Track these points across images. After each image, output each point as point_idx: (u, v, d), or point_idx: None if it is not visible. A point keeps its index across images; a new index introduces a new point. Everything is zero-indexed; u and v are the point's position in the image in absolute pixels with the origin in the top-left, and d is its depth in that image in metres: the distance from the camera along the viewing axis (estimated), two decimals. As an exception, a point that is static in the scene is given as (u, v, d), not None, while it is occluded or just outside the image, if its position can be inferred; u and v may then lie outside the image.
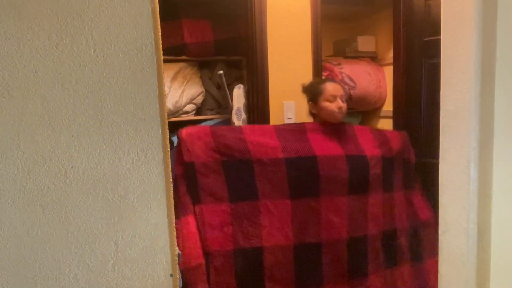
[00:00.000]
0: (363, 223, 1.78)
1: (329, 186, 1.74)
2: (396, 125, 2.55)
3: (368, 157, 1.84)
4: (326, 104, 1.86)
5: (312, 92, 1.92)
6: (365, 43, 3.09)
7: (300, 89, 2.00)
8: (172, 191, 0.99)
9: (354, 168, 1.78)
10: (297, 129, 1.84)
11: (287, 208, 1.70)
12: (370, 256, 1.79)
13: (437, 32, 1.33)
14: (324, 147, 1.80)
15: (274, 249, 1.67)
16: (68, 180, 0.87)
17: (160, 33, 0.95)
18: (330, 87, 1.88)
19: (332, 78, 2.10)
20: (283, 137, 1.77)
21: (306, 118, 2.06)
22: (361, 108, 3.07)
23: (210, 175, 1.65)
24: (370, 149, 1.88)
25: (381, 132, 2.05)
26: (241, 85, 2.40)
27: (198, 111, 2.73)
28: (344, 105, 1.87)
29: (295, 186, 1.71)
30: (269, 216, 1.67)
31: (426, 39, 2.29)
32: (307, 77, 2.37)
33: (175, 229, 0.99)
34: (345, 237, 1.74)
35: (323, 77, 2.45)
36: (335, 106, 1.85)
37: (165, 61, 1.37)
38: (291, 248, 1.69)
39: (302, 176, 1.73)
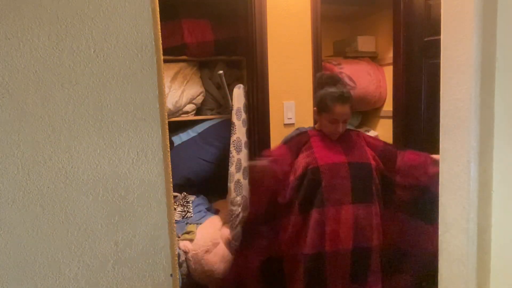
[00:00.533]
0: (368, 234, 1.78)
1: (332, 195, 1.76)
2: (396, 125, 2.55)
3: (372, 165, 1.84)
4: (327, 124, 1.85)
5: (321, 104, 1.87)
6: (365, 43, 3.09)
7: (299, 89, 1.99)
8: (172, 191, 0.99)
9: (356, 176, 1.78)
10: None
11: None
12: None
13: (437, 32, 1.33)
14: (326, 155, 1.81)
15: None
16: (68, 180, 0.87)
17: (160, 33, 0.95)
18: (338, 111, 1.80)
19: (342, 82, 1.99)
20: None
21: (306, 118, 2.06)
22: (361, 108, 3.07)
23: None
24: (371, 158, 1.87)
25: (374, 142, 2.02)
26: (241, 85, 2.40)
27: (198, 111, 2.73)
28: (343, 125, 1.85)
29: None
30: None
31: (426, 39, 2.29)
32: (307, 77, 2.37)
33: (175, 229, 0.99)
34: (350, 248, 1.75)
35: (336, 74, 2.43)
36: (335, 128, 1.84)
37: (165, 61, 1.37)
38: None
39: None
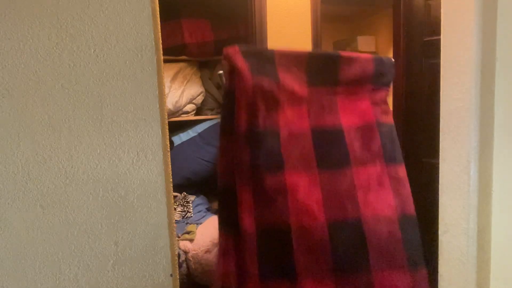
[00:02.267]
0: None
1: None
2: (396, 125, 2.55)
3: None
4: None
5: None
6: (365, 43, 3.09)
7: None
8: (172, 191, 0.99)
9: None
10: None
11: None
12: None
13: (437, 32, 1.33)
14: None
15: None
16: (68, 180, 0.87)
17: (160, 33, 0.95)
18: None
19: None
20: None
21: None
22: None
23: None
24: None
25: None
26: (241, 85, 2.40)
27: (198, 111, 2.73)
28: None
29: None
30: None
31: (426, 39, 2.29)
32: (307, 77, 2.37)
33: (175, 229, 0.99)
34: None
35: None
36: None
37: (165, 61, 1.37)
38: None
39: None
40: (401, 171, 1.60)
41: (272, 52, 1.51)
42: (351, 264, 1.43)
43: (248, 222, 1.39)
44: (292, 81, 1.54)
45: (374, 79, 1.62)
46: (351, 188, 1.51)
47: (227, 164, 1.48)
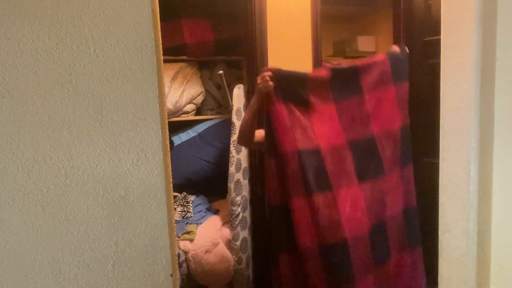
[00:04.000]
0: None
1: None
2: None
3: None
4: None
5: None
6: (365, 43, 3.09)
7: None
8: (172, 191, 0.99)
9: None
10: None
11: None
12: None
13: (437, 32, 1.33)
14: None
15: None
16: (68, 180, 0.87)
17: (160, 33, 0.95)
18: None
19: None
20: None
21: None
22: None
23: None
24: None
25: None
26: (241, 85, 2.40)
27: (198, 111, 2.73)
28: None
29: None
30: None
31: (426, 39, 2.29)
32: (307, 77, 2.37)
33: (175, 229, 0.99)
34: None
35: None
36: None
37: (165, 61, 1.37)
38: None
39: None
40: (411, 172, 1.82)
41: (305, 76, 1.64)
42: (382, 256, 1.68)
43: (308, 240, 1.57)
44: (321, 100, 1.64)
45: (394, 78, 1.69)
46: (382, 194, 1.71)
47: (274, 182, 1.62)
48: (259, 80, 1.58)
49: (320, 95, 1.64)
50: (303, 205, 1.56)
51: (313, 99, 1.63)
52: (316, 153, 1.59)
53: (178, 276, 1.03)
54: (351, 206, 1.60)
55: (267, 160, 1.63)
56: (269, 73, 1.56)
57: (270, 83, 1.55)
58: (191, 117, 2.67)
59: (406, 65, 1.77)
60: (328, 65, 1.71)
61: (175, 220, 1.90)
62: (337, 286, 1.57)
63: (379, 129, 1.70)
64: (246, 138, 1.76)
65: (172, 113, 2.53)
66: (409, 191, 1.81)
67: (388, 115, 1.72)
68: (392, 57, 1.73)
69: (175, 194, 2.56)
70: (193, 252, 2.26)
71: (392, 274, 1.72)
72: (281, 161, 1.57)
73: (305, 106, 1.62)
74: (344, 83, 1.67)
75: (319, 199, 1.56)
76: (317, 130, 1.61)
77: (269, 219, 1.73)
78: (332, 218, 1.56)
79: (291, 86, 1.62)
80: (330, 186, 1.58)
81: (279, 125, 1.56)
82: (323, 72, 1.67)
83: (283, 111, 1.57)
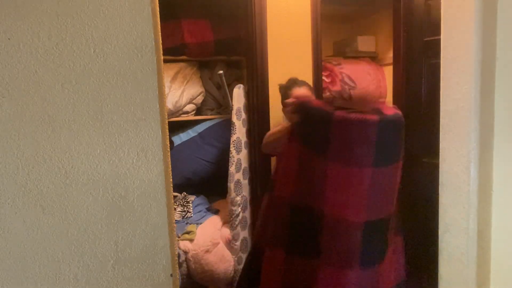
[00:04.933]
0: None
1: None
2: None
3: None
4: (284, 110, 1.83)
5: (282, 96, 1.97)
6: (365, 43, 3.09)
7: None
8: (172, 191, 0.99)
9: None
10: None
11: None
12: None
13: (437, 32, 1.33)
14: None
15: None
16: (68, 180, 0.87)
17: (160, 33, 0.95)
18: (296, 94, 1.86)
19: (303, 82, 1.99)
20: None
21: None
22: (361, 108, 3.07)
23: None
24: None
25: None
26: (241, 85, 2.40)
27: (198, 111, 2.73)
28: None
29: None
30: None
31: (426, 39, 2.29)
32: (307, 77, 2.37)
33: (175, 229, 0.99)
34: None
35: (297, 79, 2.12)
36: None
37: (165, 61, 1.37)
38: None
39: None
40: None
41: (330, 115, 1.38)
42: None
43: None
44: (354, 157, 1.37)
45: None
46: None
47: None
48: (287, 106, 1.55)
49: (357, 148, 1.35)
50: (277, 264, 1.48)
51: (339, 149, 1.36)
52: (316, 216, 1.39)
53: (178, 276, 1.03)
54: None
55: (267, 194, 1.60)
56: (293, 101, 1.46)
57: (294, 114, 1.42)
58: (191, 117, 2.67)
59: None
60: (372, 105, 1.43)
61: (175, 220, 1.89)
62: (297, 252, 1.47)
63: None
64: (267, 149, 1.84)
65: (172, 113, 2.53)
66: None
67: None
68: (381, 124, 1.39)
69: (175, 194, 2.56)
70: (193, 252, 2.26)
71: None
72: (274, 203, 1.54)
73: (323, 155, 1.38)
74: (389, 139, 1.37)
75: (298, 264, 1.43)
76: (329, 193, 1.38)
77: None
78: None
79: (313, 127, 1.41)
80: (318, 256, 1.40)
81: (282, 168, 1.51)
82: (365, 117, 1.37)
83: (293, 154, 1.43)
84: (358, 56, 3.12)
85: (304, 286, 1.42)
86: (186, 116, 2.65)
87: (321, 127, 1.40)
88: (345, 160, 1.37)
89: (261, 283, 1.56)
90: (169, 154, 0.97)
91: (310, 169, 1.42)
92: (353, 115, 1.40)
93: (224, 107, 2.74)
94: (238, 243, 2.33)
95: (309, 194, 1.43)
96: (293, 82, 1.99)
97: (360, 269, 1.40)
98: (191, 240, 2.29)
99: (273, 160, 1.95)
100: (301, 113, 1.44)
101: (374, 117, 1.36)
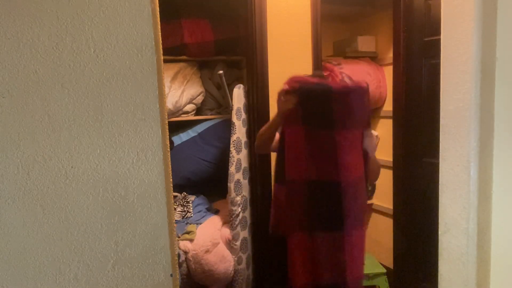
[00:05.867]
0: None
1: None
2: (396, 125, 2.55)
3: None
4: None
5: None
6: (365, 43, 3.09)
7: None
8: (172, 191, 0.99)
9: None
10: None
11: None
12: None
13: (437, 32, 1.33)
14: None
15: None
16: (68, 180, 0.87)
17: (160, 33, 0.95)
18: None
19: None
20: None
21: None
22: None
23: None
24: None
25: None
26: (241, 85, 2.40)
27: (198, 111, 2.73)
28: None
29: None
30: None
31: (426, 39, 2.29)
32: (307, 77, 2.38)
33: (175, 229, 0.99)
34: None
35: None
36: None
37: (165, 61, 1.37)
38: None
39: None
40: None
41: (330, 87, 1.57)
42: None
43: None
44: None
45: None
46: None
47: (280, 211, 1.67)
48: (280, 96, 1.58)
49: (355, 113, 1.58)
50: (302, 245, 1.61)
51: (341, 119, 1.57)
52: (335, 184, 1.56)
53: (178, 276, 1.03)
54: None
55: (275, 185, 1.68)
56: (288, 88, 1.54)
57: (291, 100, 1.52)
58: (191, 117, 2.67)
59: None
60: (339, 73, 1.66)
61: (175, 220, 1.90)
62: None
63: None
64: (262, 148, 1.84)
65: (172, 113, 2.53)
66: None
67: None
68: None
69: (175, 194, 2.56)
70: (193, 252, 2.26)
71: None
72: (289, 189, 1.61)
73: (329, 130, 1.55)
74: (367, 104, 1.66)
75: (324, 238, 1.58)
76: (343, 159, 1.55)
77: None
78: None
79: (314, 103, 1.55)
80: (341, 225, 1.57)
81: (290, 151, 1.58)
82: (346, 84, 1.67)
83: (298, 137, 1.55)
84: (358, 56, 3.12)
85: (333, 257, 1.59)
86: (186, 116, 2.65)
87: (324, 99, 1.55)
88: (349, 125, 1.58)
89: (290, 266, 1.65)
90: (169, 154, 0.97)
91: (320, 143, 1.57)
92: (350, 84, 1.66)
93: (224, 107, 2.74)
94: (238, 243, 2.33)
95: (324, 167, 1.58)
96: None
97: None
98: (191, 240, 2.29)
99: (273, 160, 1.93)
100: (300, 92, 1.55)
101: (365, 84, 1.60)
